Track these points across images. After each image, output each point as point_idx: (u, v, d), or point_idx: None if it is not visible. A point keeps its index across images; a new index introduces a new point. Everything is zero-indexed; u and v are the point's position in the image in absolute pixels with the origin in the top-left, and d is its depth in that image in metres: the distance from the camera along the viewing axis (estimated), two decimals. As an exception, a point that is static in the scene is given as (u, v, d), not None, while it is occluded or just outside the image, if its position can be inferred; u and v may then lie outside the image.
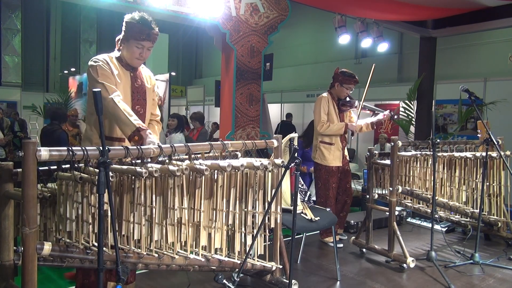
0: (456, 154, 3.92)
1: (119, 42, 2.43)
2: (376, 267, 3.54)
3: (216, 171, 2.28)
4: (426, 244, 4.08)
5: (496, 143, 3.48)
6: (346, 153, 4.15)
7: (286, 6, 4.97)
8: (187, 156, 2.30)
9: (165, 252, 2.17)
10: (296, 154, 2.20)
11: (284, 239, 2.94)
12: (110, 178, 1.76)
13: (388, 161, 3.62)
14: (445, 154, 3.87)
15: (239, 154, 2.66)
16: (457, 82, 7.00)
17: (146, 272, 3.02)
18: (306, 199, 3.62)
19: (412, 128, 7.47)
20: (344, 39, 6.15)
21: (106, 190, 1.64)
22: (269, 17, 4.88)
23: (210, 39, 5.20)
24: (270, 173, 2.54)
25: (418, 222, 4.94)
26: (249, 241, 2.46)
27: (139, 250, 2.06)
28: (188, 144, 2.30)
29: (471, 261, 3.57)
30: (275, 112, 12.01)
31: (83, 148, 1.83)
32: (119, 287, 1.64)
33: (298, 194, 3.24)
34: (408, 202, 3.91)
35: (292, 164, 2.18)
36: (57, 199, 1.91)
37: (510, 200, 4.12)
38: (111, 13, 6.69)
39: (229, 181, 2.34)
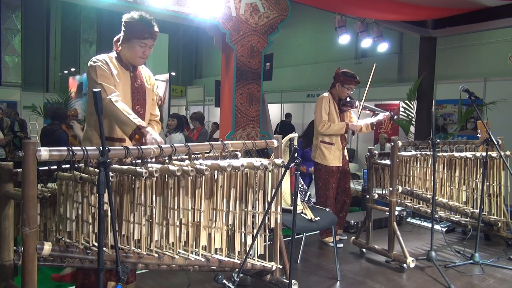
0: (456, 154, 3.92)
1: (118, 42, 2.43)
2: (376, 267, 3.54)
3: (216, 171, 2.28)
4: (426, 244, 4.08)
5: (496, 143, 3.48)
6: (345, 153, 4.16)
7: (286, 6, 4.97)
8: (187, 156, 2.30)
9: (165, 252, 2.17)
10: (296, 154, 2.20)
11: (284, 239, 2.94)
12: (110, 178, 1.76)
13: (388, 161, 3.62)
14: (445, 154, 3.87)
15: (239, 154, 2.66)
16: (457, 82, 6.99)
17: (146, 272, 3.03)
18: (306, 199, 3.62)
19: (412, 128, 7.46)
20: (344, 39, 6.15)
21: (106, 190, 1.64)
22: (269, 17, 4.88)
23: (210, 39, 5.20)
24: (270, 173, 2.54)
25: (418, 222, 4.94)
26: (249, 241, 2.46)
27: (139, 250, 2.06)
28: (188, 144, 2.30)
29: (471, 261, 3.57)
30: (275, 112, 12.01)
31: (83, 148, 1.83)
32: (119, 287, 1.65)
33: (298, 194, 3.24)
34: (408, 202, 3.91)
35: (292, 164, 2.18)
36: (57, 199, 1.91)
37: (510, 200, 4.12)
38: (111, 13, 6.68)
39: (229, 181, 2.34)
